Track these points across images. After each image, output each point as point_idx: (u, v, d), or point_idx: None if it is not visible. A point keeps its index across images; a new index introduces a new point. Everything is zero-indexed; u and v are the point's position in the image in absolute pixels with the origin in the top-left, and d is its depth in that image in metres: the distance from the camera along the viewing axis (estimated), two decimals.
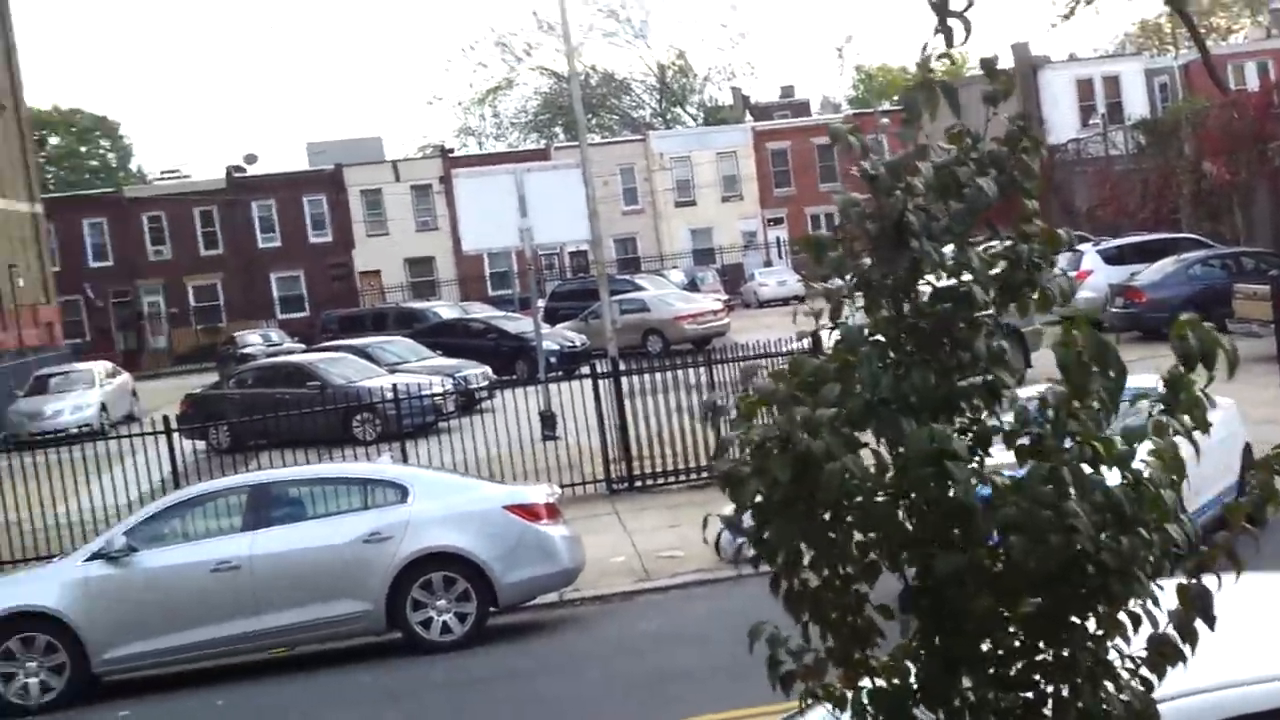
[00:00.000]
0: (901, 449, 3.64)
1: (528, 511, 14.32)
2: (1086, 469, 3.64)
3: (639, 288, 48.83)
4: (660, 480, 20.58)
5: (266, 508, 14.24)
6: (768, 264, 69.62)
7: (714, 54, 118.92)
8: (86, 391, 37.51)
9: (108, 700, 13.65)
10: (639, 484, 20.66)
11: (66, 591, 13.67)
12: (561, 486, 18.01)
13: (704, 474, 20.00)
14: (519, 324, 39.61)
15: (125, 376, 41.84)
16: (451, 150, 76.80)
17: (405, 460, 19.34)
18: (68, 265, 65.28)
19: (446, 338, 38.58)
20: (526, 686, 12.42)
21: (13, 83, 56.22)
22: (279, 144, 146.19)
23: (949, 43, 3.72)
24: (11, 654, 13.53)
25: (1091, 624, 3.74)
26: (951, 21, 3.71)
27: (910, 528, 3.71)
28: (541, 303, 37.23)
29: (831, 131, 3.81)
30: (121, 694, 13.83)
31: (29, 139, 59.08)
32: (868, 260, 3.75)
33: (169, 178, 76.73)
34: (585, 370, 23.67)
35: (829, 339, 3.87)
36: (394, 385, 23.71)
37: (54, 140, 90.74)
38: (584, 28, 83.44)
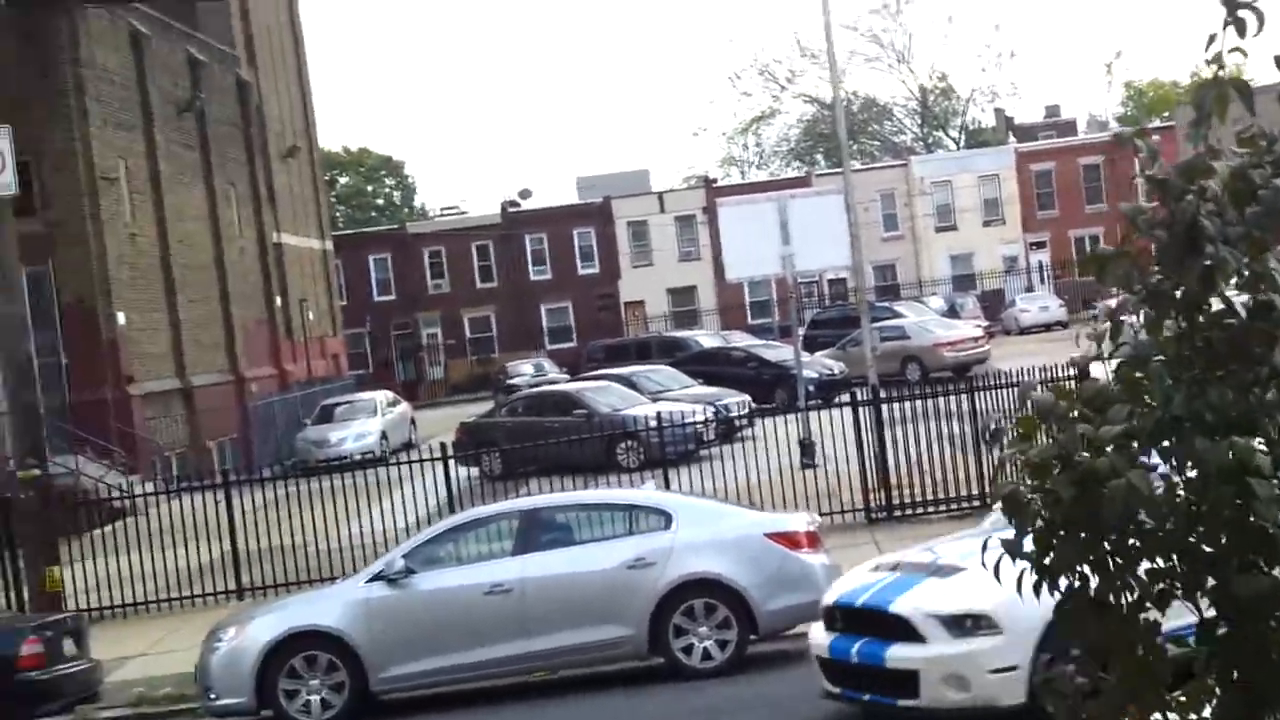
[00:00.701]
0: (1195, 468, 3.47)
1: (789, 539, 14.25)
2: None
3: (898, 314, 48.37)
4: (920, 510, 20.27)
5: (536, 532, 14.45)
6: (1029, 289, 68.10)
7: (977, 75, 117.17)
8: (369, 420, 39.11)
9: (385, 719, 14.00)
10: (898, 513, 20.38)
11: (348, 612, 14.04)
12: (820, 515, 17.92)
13: (965, 504, 19.66)
14: (778, 352, 39.64)
15: (405, 406, 43.40)
16: (715, 180, 77.51)
17: (667, 487, 19.51)
18: (354, 299, 68.18)
19: (708, 366, 38.86)
20: (786, 716, 12.35)
21: (307, 126, 59.25)
22: (551, 179, 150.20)
23: (1241, 34, 3.48)
24: (296, 672, 13.93)
25: None
26: (1243, 13, 3.49)
27: (1205, 551, 3.52)
28: (801, 330, 37.24)
29: (1118, 136, 3.68)
30: (397, 713, 14.16)
31: (321, 179, 62.17)
32: (1156, 274, 3.57)
33: (449, 214, 79.45)
34: (845, 398, 23.50)
35: (1104, 368, 3.73)
36: (657, 413, 23.98)
37: (343, 180, 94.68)
38: (846, 54, 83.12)
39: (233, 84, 48.29)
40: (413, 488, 20.68)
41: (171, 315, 39.21)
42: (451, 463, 21.10)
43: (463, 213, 77.87)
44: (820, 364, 38.42)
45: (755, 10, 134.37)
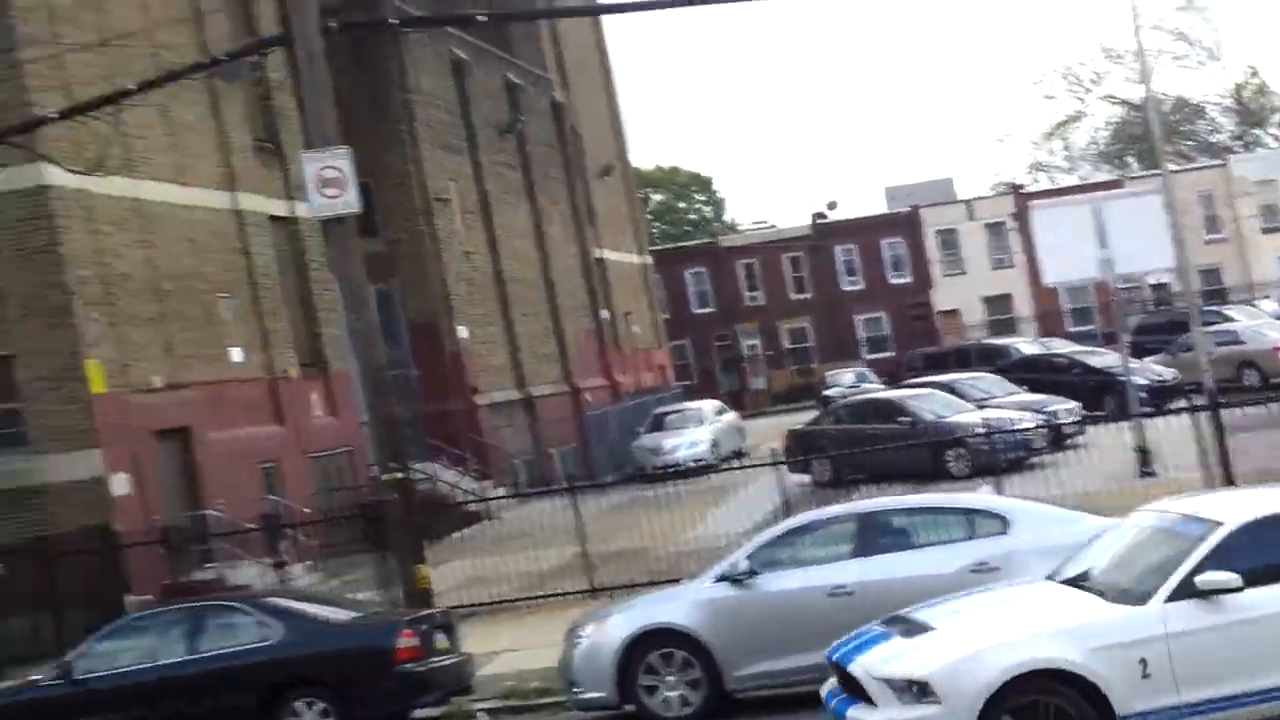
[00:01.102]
0: None
1: None
2: None
3: (1229, 319, 46.68)
4: None
5: (874, 535, 14.54)
6: None
7: None
8: (698, 429, 40.05)
9: (741, 717, 14.22)
10: None
11: (695, 611, 14.37)
12: None
13: None
14: (1103, 358, 38.78)
15: (733, 414, 44.22)
16: (1022, 186, 76.19)
17: (1000, 494, 19.47)
18: (674, 312, 69.79)
19: (1030, 373, 38.27)
20: None
21: (620, 148, 60.99)
22: (858, 190, 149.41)
23: None
24: (653, 668, 14.33)
25: None
26: None
27: None
28: (1126, 336, 36.47)
29: None
30: (753, 711, 14.34)
31: (635, 196, 63.88)
32: None
33: (759, 227, 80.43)
34: (1180, 404, 22.98)
35: None
36: (984, 420, 23.92)
37: (657, 197, 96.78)
38: (1154, 53, 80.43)
39: (547, 106, 49.97)
40: (746, 493, 21.24)
41: (507, 329, 40.90)
42: (783, 469, 21.58)
43: (771, 226, 78.68)
44: (1150, 370, 37.41)
45: (1055, 13, 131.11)
